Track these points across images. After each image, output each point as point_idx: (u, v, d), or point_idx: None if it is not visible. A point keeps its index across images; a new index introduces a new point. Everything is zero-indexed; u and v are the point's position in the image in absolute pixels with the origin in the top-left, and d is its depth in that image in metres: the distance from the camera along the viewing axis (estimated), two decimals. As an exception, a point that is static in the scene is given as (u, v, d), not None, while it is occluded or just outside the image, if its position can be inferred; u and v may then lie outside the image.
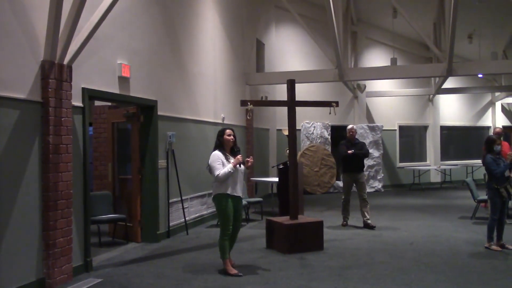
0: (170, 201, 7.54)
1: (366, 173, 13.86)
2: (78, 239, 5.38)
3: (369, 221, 8.02)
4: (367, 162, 13.86)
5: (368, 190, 13.03)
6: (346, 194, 8.05)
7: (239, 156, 5.22)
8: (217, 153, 5.23)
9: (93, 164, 8.64)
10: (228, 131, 5.35)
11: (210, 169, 5.23)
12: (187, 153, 8.21)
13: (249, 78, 11.67)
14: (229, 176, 5.16)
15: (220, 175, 5.12)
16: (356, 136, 8.42)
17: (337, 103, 7.04)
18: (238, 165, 5.23)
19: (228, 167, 5.16)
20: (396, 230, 7.94)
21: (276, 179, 9.55)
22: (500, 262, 5.72)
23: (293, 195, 6.72)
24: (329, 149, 14.13)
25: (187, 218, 7.97)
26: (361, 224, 8.12)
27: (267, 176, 12.50)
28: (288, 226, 6.34)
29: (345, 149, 7.99)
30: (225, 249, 5.28)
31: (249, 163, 5.40)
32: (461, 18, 10.39)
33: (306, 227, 6.45)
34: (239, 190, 5.30)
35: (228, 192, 5.20)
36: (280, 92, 12.70)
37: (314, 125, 14.08)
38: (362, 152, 8.01)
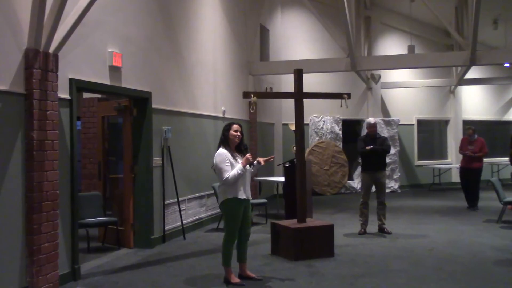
0: (166, 202, 7.54)
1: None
2: (65, 244, 5.38)
3: (384, 226, 8.00)
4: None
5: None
6: (364, 195, 7.95)
7: (248, 155, 5.11)
8: (224, 152, 5.11)
9: (81, 162, 8.64)
10: (235, 126, 5.23)
11: (217, 171, 5.12)
12: (184, 150, 8.20)
13: (252, 67, 11.63)
14: (239, 178, 5.08)
15: (229, 178, 5.00)
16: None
17: (349, 95, 7.01)
18: (248, 165, 5.13)
19: (238, 168, 5.04)
20: (414, 235, 7.91)
21: (282, 179, 9.55)
22: (529, 271, 5.70)
23: (300, 196, 6.70)
24: (340, 146, 14.10)
25: (184, 222, 7.97)
26: (376, 228, 8.09)
27: (272, 175, 12.48)
28: (295, 230, 6.33)
29: (363, 144, 7.92)
30: (228, 256, 5.23)
31: (264, 160, 5.26)
32: (486, 2, 10.31)
33: (315, 231, 6.44)
34: (248, 192, 5.22)
35: (239, 196, 5.10)
36: (286, 83, 12.67)
37: (323, 119, 14.04)
38: (381, 147, 7.87)
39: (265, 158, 5.32)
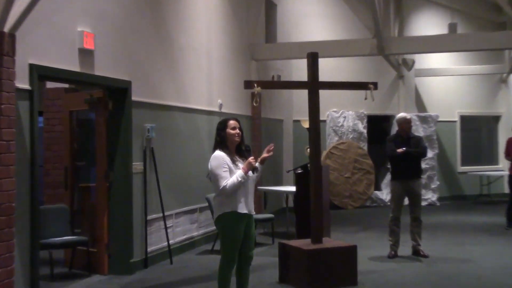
0: (149, 218, 7.53)
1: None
2: (22, 270, 5.36)
3: (420, 248, 7.97)
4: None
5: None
6: (395, 210, 7.92)
7: (251, 159, 5.05)
8: (220, 155, 5.07)
9: (43, 167, 8.64)
10: (232, 122, 5.18)
11: (212, 178, 5.08)
12: (172, 153, 8.20)
13: (256, 51, 11.63)
14: (239, 187, 5.03)
15: (227, 186, 4.96)
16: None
17: (375, 84, 6.99)
18: (250, 172, 5.08)
19: (238, 175, 5.00)
20: (457, 258, 7.89)
21: (293, 189, 9.52)
22: None
23: (315, 210, 6.68)
24: (365, 148, 14.05)
25: (171, 242, 7.96)
26: (409, 250, 8.07)
27: (280, 184, 12.44)
28: (309, 252, 6.31)
29: (394, 146, 7.91)
30: (226, 285, 5.19)
31: (266, 155, 5.16)
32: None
33: (333, 254, 6.41)
34: (251, 206, 5.18)
35: (239, 210, 5.06)
36: (298, 70, 12.62)
37: (344, 115, 14.01)
38: (416, 150, 7.85)
39: (265, 151, 5.19)
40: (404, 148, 7.78)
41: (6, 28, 5.02)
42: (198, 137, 9.00)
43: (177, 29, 8.45)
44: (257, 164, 5.19)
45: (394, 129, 10.28)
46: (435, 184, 14.63)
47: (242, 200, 5.09)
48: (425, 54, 14.53)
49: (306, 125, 8.43)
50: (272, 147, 5.26)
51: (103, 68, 6.68)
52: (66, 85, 8.13)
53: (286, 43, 12.63)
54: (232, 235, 5.11)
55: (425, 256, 7.86)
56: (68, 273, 7.21)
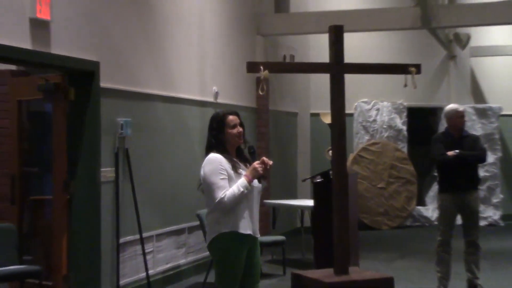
0: (121, 241, 7.54)
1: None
2: (-44, 308, 5.36)
3: (478, 281, 7.94)
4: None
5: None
6: (444, 231, 7.90)
7: (256, 164, 5.02)
8: (217, 159, 5.01)
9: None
10: (231, 118, 5.14)
11: (206, 188, 5.03)
12: (153, 156, 8.24)
13: (262, 23, 11.66)
14: (241, 200, 5.00)
15: (226, 199, 4.90)
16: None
17: (418, 67, 6.93)
18: (256, 180, 5.04)
19: (240, 184, 4.95)
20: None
21: (310, 203, 9.51)
22: None
23: (340, 231, 6.64)
24: (405, 149, 14.03)
25: (151, 272, 7.97)
26: (464, 285, 8.05)
27: (294, 196, 12.43)
28: (332, 286, 6.27)
29: (442, 148, 7.88)
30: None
31: (267, 166, 5.05)
32: None
33: (363, 288, 6.38)
34: (255, 225, 5.15)
35: (240, 230, 5.01)
36: (317, 48, 12.63)
37: (377, 107, 14.01)
38: (472, 153, 7.85)
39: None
40: (456, 151, 7.75)
41: None
42: (187, 136, 9.02)
43: (159, -6, 8.47)
44: (255, 182, 5.08)
45: (443, 125, 10.23)
46: (497, 198, 14.61)
47: (246, 216, 5.05)
48: (484, 28, 14.51)
49: (327, 120, 8.39)
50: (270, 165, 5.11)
51: (62, 45, 6.66)
52: (14, 67, 8.12)
53: (301, 13, 12.64)
54: (231, 262, 5.08)
55: (484, 293, 7.86)
56: (16, 313, 7.23)
